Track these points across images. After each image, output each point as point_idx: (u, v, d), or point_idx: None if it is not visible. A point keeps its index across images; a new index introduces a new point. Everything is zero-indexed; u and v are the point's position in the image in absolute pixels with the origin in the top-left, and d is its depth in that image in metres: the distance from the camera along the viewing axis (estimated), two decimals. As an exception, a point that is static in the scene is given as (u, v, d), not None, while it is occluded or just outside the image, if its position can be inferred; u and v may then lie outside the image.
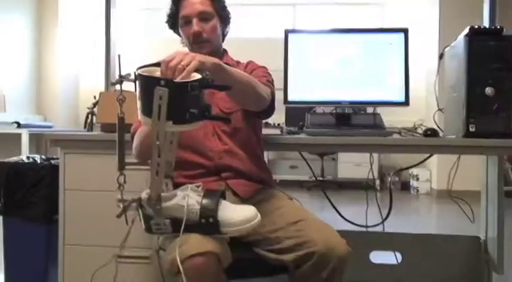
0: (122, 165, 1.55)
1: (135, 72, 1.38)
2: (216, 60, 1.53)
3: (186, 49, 1.98)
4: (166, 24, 2.05)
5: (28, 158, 2.54)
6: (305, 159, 2.84)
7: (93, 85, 6.78)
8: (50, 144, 2.17)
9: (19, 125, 5.79)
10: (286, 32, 2.46)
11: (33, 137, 5.80)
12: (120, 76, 1.50)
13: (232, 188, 1.83)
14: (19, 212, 2.43)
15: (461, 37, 2.21)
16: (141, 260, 2.13)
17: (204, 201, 1.51)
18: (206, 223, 1.49)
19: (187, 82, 1.35)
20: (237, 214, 1.52)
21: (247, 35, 7.94)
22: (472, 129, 2.12)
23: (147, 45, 8.58)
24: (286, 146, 2.19)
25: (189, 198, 1.51)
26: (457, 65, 2.25)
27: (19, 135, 5.68)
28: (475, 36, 2.15)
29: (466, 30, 2.17)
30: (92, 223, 2.19)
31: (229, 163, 1.87)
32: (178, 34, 2.05)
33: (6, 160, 2.49)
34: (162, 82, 1.31)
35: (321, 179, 7.89)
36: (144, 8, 9.12)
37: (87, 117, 2.82)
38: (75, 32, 7.91)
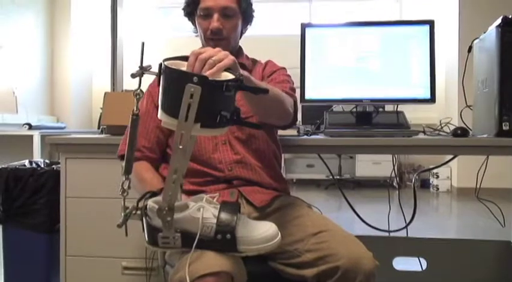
0: (129, 169, 1.36)
1: (160, 64, 1.22)
2: (245, 72, 1.38)
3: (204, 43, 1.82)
4: (183, 11, 1.88)
5: (31, 162, 2.42)
6: (322, 159, 2.70)
7: (107, 85, 6.69)
8: (50, 149, 2.04)
9: (30, 127, 5.71)
10: (303, 26, 2.33)
11: (45, 139, 5.73)
12: (141, 68, 1.31)
13: (246, 196, 1.67)
14: (19, 220, 2.32)
15: (492, 28, 2.07)
16: (147, 272, 2.00)
17: (222, 215, 1.35)
18: (222, 240, 1.33)
19: (223, 81, 1.19)
20: (257, 232, 1.37)
21: (262, 32, 7.81)
22: (505, 127, 1.99)
23: (161, 43, 8.50)
24: (304, 148, 2.06)
25: (204, 211, 1.34)
26: (488, 58, 2.11)
27: (31, 137, 5.60)
28: (508, 26, 2.01)
29: (498, 21, 2.01)
30: (96, 233, 2.07)
31: (241, 174, 1.71)
32: (193, 23, 1.88)
33: (6, 166, 2.37)
34: (195, 79, 1.14)
35: (338, 177, 7.75)
36: (159, 7, 9.04)
37: (100, 117, 2.70)
38: (87, 32, 7.86)
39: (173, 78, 1.19)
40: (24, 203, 2.29)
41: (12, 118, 6.16)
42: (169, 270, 1.54)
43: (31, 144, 5.56)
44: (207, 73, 1.21)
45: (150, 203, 1.35)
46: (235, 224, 1.35)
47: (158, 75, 1.23)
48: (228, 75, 1.25)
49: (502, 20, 2.00)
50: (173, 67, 1.21)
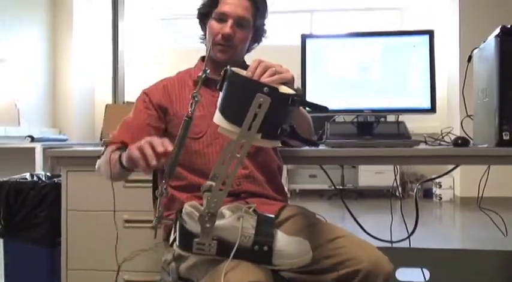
0: (172, 172, 1.35)
1: (226, 70, 1.24)
2: None
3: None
4: (197, 11, 1.85)
5: (32, 175, 2.42)
6: (324, 170, 2.69)
7: (109, 97, 6.70)
8: (50, 162, 2.04)
9: (33, 139, 5.70)
10: (303, 37, 2.33)
11: (46, 152, 5.71)
12: (205, 72, 1.34)
13: (254, 208, 1.66)
14: (20, 234, 2.31)
15: (491, 38, 2.07)
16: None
17: (261, 226, 1.35)
18: (259, 251, 1.33)
19: (290, 95, 1.21)
20: (292, 246, 1.37)
21: (264, 42, 7.73)
22: (506, 137, 1.98)
23: (165, 54, 8.52)
24: (305, 160, 2.06)
25: (243, 221, 1.34)
26: (487, 67, 2.11)
27: (33, 150, 5.59)
28: (507, 36, 2.01)
29: (497, 31, 2.02)
30: (97, 246, 2.05)
31: (248, 189, 1.72)
32: (202, 27, 1.87)
33: (6, 179, 2.36)
34: (266, 89, 1.16)
35: (341, 187, 7.73)
36: (160, 19, 9.07)
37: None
38: (90, 44, 7.86)
39: (243, 86, 1.21)
40: (25, 216, 2.28)
41: (14, 130, 6.16)
42: None
43: (33, 156, 5.55)
44: (266, 80, 1.24)
45: (187, 207, 1.35)
46: (274, 236, 1.35)
47: (221, 80, 1.24)
48: (287, 90, 1.27)
49: (500, 29, 2.00)
50: (242, 74, 1.24)
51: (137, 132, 1.70)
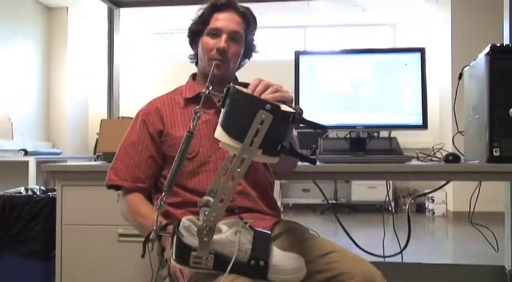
0: (172, 184, 1.37)
1: (229, 87, 1.26)
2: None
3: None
4: (188, 30, 1.86)
5: (27, 190, 2.43)
6: (317, 185, 2.71)
7: (103, 110, 6.71)
8: (45, 176, 2.05)
9: (26, 153, 5.70)
10: (297, 54, 2.36)
11: (41, 165, 5.71)
12: (208, 88, 1.36)
13: (248, 223, 1.68)
14: (15, 248, 2.32)
15: (481, 56, 2.11)
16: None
17: (257, 241, 1.36)
18: (255, 266, 1.34)
19: (291, 113, 1.24)
20: (287, 262, 1.38)
21: (257, 57, 7.76)
22: (496, 153, 2.01)
23: (158, 69, 8.54)
24: (299, 175, 2.06)
25: (241, 235, 1.35)
26: (478, 85, 2.14)
27: (26, 163, 5.59)
28: (497, 54, 2.05)
29: (487, 49, 2.05)
30: (92, 261, 2.05)
31: (242, 204, 1.73)
32: (193, 45, 1.87)
33: (1, 193, 2.37)
34: (268, 106, 1.19)
35: (334, 202, 7.74)
36: (156, 33, 9.11)
37: (96, 143, 2.71)
38: (84, 57, 7.90)
39: (246, 103, 1.24)
40: (20, 230, 2.29)
41: (8, 144, 6.17)
42: None
43: (27, 170, 5.55)
44: (268, 96, 1.28)
45: (185, 221, 1.35)
46: (271, 252, 1.36)
47: (224, 97, 1.27)
48: (288, 108, 1.30)
49: (490, 48, 2.04)
50: (245, 91, 1.26)
51: (136, 169, 1.73)
